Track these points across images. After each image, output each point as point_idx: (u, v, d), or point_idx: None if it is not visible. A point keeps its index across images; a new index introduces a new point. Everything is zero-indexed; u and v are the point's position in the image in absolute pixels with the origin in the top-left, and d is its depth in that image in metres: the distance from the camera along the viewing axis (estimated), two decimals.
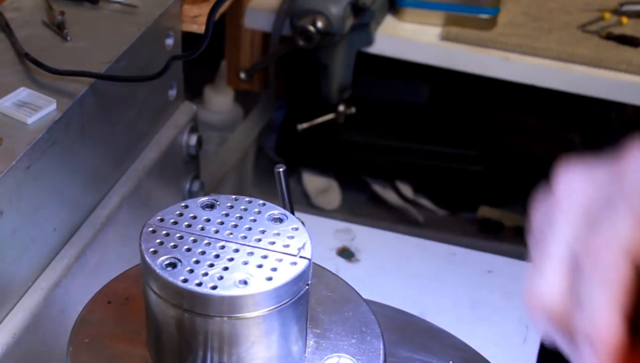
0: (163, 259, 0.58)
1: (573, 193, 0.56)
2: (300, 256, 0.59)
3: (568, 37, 1.27)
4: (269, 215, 0.62)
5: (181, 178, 1.01)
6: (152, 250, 0.59)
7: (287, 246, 0.60)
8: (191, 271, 0.57)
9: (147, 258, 0.58)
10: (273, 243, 0.60)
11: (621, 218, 0.53)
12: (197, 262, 0.58)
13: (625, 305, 0.52)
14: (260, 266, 0.58)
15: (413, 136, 1.40)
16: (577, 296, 0.52)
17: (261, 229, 0.61)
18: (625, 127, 1.43)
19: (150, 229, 0.60)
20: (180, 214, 0.62)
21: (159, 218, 0.61)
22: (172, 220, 0.61)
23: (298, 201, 1.39)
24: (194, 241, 0.60)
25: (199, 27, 0.97)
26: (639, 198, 0.53)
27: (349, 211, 1.42)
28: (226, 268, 0.58)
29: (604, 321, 0.51)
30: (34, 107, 0.77)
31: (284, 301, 0.58)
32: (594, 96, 1.24)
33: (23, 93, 0.79)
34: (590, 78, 1.23)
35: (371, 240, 1.10)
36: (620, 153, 0.55)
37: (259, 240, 0.60)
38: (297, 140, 1.39)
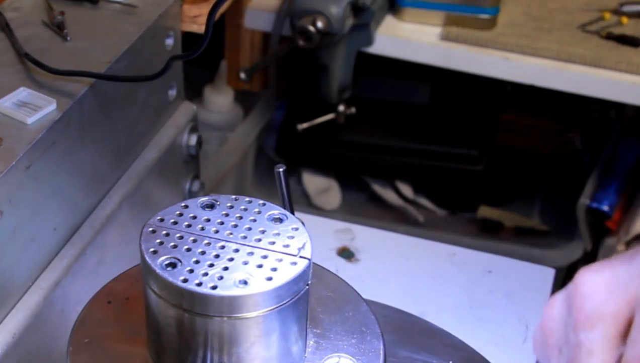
0: (163, 259, 0.58)
1: (599, 301, 0.53)
2: (300, 256, 0.59)
3: (568, 37, 1.27)
4: (269, 215, 0.62)
5: (181, 178, 1.01)
6: (152, 250, 0.59)
7: (287, 246, 0.60)
8: (191, 271, 0.57)
9: (147, 258, 0.58)
10: (273, 243, 0.60)
11: None
12: (197, 262, 0.58)
13: None
14: (260, 266, 0.58)
15: (413, 136, 1.40)
16: None
17: (261, 229, 0.61)
18: (625, 127, 1.43)
19: (150, 229, 0.60)
20: (180, 214, 0.62)
21: (159, 218, 0.61)
22: (172, 220, 0.61)
23: (298, 201, 1.39)
24: (194, 241, 0.60)
25: (199, 27, 0.97)
26: None
27: (349, 211, 1.42)
28: (226, 268, 0.58)
29: None
30: (34, 107, 0.77)
31: (284, 301, 0.58)
32: (594, 96, 1.24)
33: (23, 93, 0.79)
34: (590, 78, 1.23)
35: (371, 240, 1.10)
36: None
37: (259, 240, 0.60)
38: (297, 140, 1.39)
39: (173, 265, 0.58)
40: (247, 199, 0.63)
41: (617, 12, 1.31)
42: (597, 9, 1.32)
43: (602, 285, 0.53)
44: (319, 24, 1.19)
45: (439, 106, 1.45)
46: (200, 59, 0.83)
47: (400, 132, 1.41)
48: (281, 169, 0.66)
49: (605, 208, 1.29)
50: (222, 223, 0.61)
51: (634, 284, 0.51)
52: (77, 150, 0.81)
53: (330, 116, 1.35)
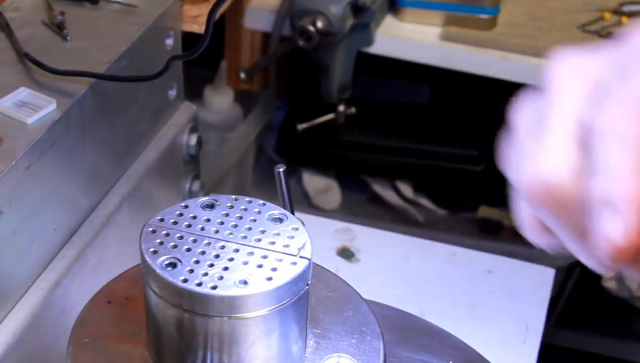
0: (163, 259, 0.58)
1: (574, 74, 0.51)
2: (300, 256, 0.59)
3: (568, 37, 1.27)
4: (269, 215, 0.62)
5: (181, 178, 1.01)
6: (152, 250, 0.59)
7: (287, 246, 0.60)
8: (191, 271, 0.57)
9: (147, 258, 0.58)
10: (273, 243, 0.60)
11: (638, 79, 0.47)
12: (197, 262, 0.58)
13: None
14: (260, 266, 0.58)
15: (413, 136, 1.40)
16: (590, 163, 0.47)
17: (261, 229, 0.61)
18: None
19: (150, 229, 0.60)
20: (180, 214, 0.62)
21: (159, 218, 0.61)
22: (172, 220, 0.61)
23: (298, 201, 1.39)
24: (194, 241, 0.60)
25: (199, 27, 0.97)
26: None
27: (349, 211, 1.42)
28: (226, 268, 0.58)
29: (626, 176, 0.45)
30: (34, 107, 0.77)
31: (284, 301, 0.58)
32: None
33: (23, 93, 0.79)
34: None
35: (371, 240, 1.10)
36: (621, 38, 0.50)
37: (259, 240, 0.60)
38: (297, 140, 1.39)
39: (173, 265, 0.58)
40: (247, 199, 0.63)
41: (617, 12, 1.31)
42: (597, 9, 1.32)
43: (577, 63, 0.52)
44: (319, 24, 1.19)
45: (439, 106, 1.45)
46: (200, 59, 0.83)
47: (400, 132, 1.41)
48: (281, 169, 0.66)
49: None
50: (222, 223, 0.61)
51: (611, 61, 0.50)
52: (77, 150, 0.81)
53: (330, 116, 1.35)
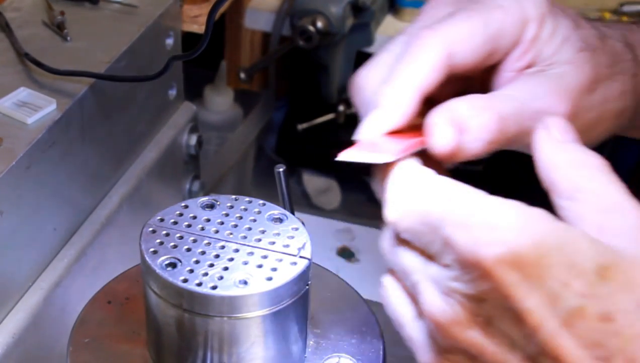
0: (163, 259, 0.58)
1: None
2: (300, 256, 0.59)
3: None
4: (269, 215, 0.62)
5: (181, 178, 1.01)
6: (152, 250, 0.59)
7: (287, 246, 0.60)
8: (191, 271, 0.57)
9: (147, 258, 0.58)
10: (273, 243, 0.60)
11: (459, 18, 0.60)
12: (197, 262, 0.58)
13: (428, 81, 0.59)
14: (260, 266, 0.58)
15: None
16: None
17: (261, 229, 0.61)
18: None
19: (150, 229, 0.60)
20: (180, 214, 0.62)
21: (159, 218, 0.61)
22: (172, 220, 0.61)
23: (298, 201, 1.39)
24: (194, 241, 0.60)
25: (199, 27, 0.97)
26: None
27: (349, 211, 1.42)
28: (226, 268, 0.58)
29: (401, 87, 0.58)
30: (34, 107, 0.77)
31: (284, 301, 0.58)
32: None
33: (23, 93, 0.79)
34: None
35: (371, 240, 1.10)
36: None
37: (259, 240, 0.60)
38: (297, 140, 1.39)
39: (173, 265, 0.58)
40: (247, 199, 0.63)
41: (617, 12, 1.31)
42: (597, 9, 1.32)
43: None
44: (319, 24, 1.19)
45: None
46: (200, 59, 0.83)
47: None
48: (281, 169, 0.66)
49: None
50: (222, 223, 0.61)
51: None
52: (77, 150, 0.81)
53: (330, 116, 1.35)
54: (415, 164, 0.56)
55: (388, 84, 0.60)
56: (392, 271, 0.57)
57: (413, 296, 0.54)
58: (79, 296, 0.79)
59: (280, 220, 0.62)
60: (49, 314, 0.78)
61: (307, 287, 0.60)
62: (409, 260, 0.54)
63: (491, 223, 0.49)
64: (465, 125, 0.58)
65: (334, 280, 0.70)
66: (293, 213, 0.63)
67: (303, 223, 0.62)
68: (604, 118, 0.66)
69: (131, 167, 0.91)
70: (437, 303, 0.51)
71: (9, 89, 0.79)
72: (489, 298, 0.49)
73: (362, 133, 0.60)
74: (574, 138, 0.55)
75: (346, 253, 1.08)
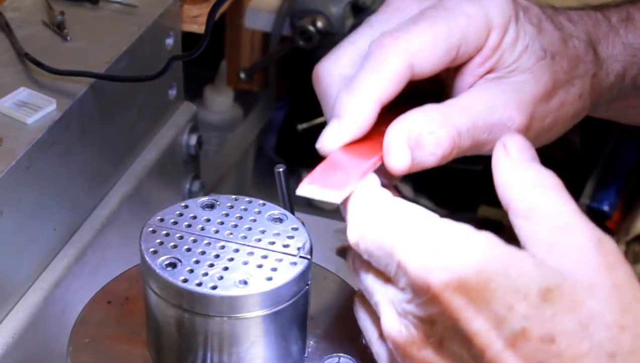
0: (163, 259, 0.58)
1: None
2: (300, 256, 0.59)
3: None
4: (269, 215, 0.62)
5: (181, 178, 1.01)
6: (152, 250, 0.59)
7: (287, 246, 0.60)
8: (191, 271, 0.57)
9: (147, 258, 0.58)
10: (273, 243, 0.60)
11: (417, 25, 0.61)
12: (197, 262, 0.58)
13: (388, 92, 0.60)
14: (260, 266, 0.58)
15: None
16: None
17: (261, 229, 0.61)
18: (624, 127, 1.43)
19: (150, 229, 0.60)
20: (180, 214, 0.62)
21: (159, 218, 0.61)
22: (172, 220, 0.61)
23: (298, 201, 1.39)
24: (194, 241, 0.60)
25: (199, 27, 0.97)
26: None
27: None
28: (226, 268, 0.58)
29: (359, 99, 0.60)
30: (34, 107, 0.77)
31: (284, 301, 0.58)
32: None
33: (23, 93, 0.79)
34: None
35: None
36: None
37: (259, 240, 0.60)
38: (297, 140, 1.39)
39: (173, 265, 0.58)
40: (247, 199, 0.63)
41: None
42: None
43: None
44: (319, 24, 1.19)
45: None
46: (200, 59, 0.83)
47: None
48: (281, 169, 0.66)
49: (605, 208, 1.29)
50: (222, 223, 0.61)
51: None
52: (77, 150, 0.81)
53: None
54: (373, 186, 0.58)
55: (349, 94, 0.61)
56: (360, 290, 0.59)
57: (376, 316, 0.57)
58: (79, 296, 0.79)
59: (280, 220, 0.62)
60: (49, 314, 0.78)
61: (307, 287, 0.60)
62: (370, 281, 0.56)
63: (439, 249, 0.51)
64: (422, 141, 0.60)
65: (334, 280, 0.70)
66: (293, 213, 0.63)
67: (303, 223, 0.62)
68: (560, 121, 0.68)
69: (131, 167, 0.91)
70: (394, 325, 0.54)
71: (9, 89, 0.79)
72: (439, 321, 0.51)
73: (324, 143, 0.62)
74: (531, 156, 0.57)
75: (346, 253, 1.08)
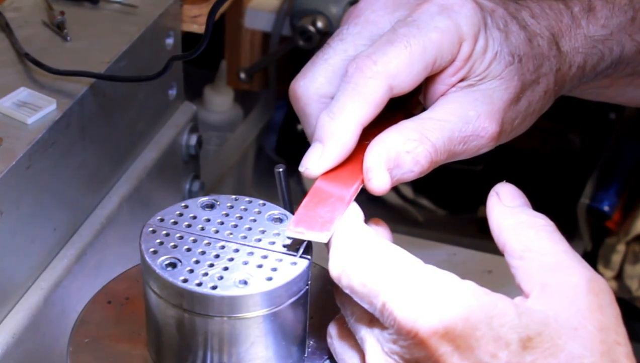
0: (163, 259, 0.58)
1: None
2: (300, 256, 0.59)
3: None
4: (269, 215, 0.62)
5: (181, 178, 1.01)
6: (152, 250, 0.59)
7: (287, 246, 0.60)
8: (191, 271, 0.57)
9: (147, 258, 0.58)
10: (273, 243, 0.60)
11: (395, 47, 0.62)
12: (197, 262, 0.58)
13: (369, 115, 0.62)
14: (260, 266, 0.58)
15: None
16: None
17: (261, 229, 0.61)
18: (624, 127, 1.43)
19: (150, 229, 0.60)
20: (180, 214, 0.62)
21: (159, 218, 0.61)
22: (172, 220, 0.61)
23: (298, 201, 1.39)
24: (194, 241, 0.60)
25: (199, 27, 0.97)
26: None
27: None
28: (226, 268, 0.58)
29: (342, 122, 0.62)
30: (34, 107, 0.77)
31: (284, 302, 0.58)
32: None
33: (23, 93, 0.79)
34: None
35: None
36: None
37: (259, 240, 0.60)
38: (297, 140, 1.39)
39: (173, 265, 0.58)
40: (247, 199, 0.63)
41: None
42: None
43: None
44: (319, 24, 1.19)
45: None
46: (200, 59, 0.83)
47: None
48: (281, 169, 0.66)
49: (606, 208, 1.29)
50: (222, 223, 0.61)
51: None
52: (77, 150, 0.81)
53: None
54: (356, 223, 0.60)
55: (332, 119, 0.63)
56: (339, 319, 0.61)
57: (360, 351, 0.58)
58: (79, 296, 0.79)
59: (280, 220, 0.62)
60: (49, 314, 0.78)
61: (307, 287, 0.60)
62: (357, 317, 0.58)
63: (427, 296, 0.53)
64: (400, 161, 0.62)
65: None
66: (293, 213, 0.63)
67: None
68: (527, 119, 0.70)
69: (131, 167, 0.91)
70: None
71: (9, 89, 0.79)
72: None
73: (310, 169, 0.64)
74: (522, 202, 0.60)
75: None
